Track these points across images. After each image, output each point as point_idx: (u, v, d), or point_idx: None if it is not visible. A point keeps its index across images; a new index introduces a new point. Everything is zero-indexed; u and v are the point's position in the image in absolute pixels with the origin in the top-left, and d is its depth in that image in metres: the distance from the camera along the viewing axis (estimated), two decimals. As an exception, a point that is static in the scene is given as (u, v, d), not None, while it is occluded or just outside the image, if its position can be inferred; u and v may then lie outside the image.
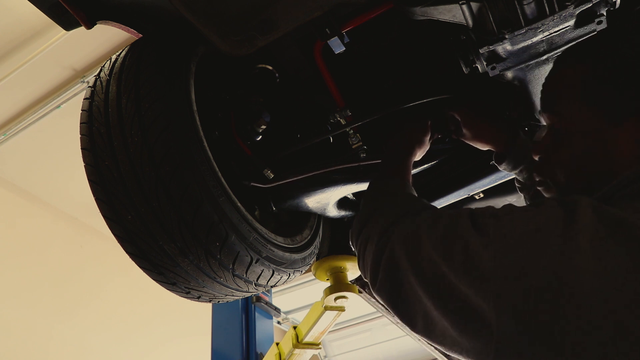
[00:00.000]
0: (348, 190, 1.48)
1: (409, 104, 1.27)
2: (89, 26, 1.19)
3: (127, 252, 1.08)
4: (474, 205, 1.65)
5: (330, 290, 1.95)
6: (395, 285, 0.74)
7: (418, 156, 1.20)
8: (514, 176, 1.38)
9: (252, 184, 1.29)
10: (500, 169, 1.24)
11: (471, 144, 1.27)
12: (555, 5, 0.92)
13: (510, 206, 0.67)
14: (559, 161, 0.82)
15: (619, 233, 0.54)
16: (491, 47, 1.03)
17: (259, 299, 3.24)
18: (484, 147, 1.25)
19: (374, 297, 2.29)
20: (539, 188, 0.89)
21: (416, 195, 0.98)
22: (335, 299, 1.98)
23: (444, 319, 0.64)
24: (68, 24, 1.21)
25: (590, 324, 0.49)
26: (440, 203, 1.56)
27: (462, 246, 0.64)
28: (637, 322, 0.48)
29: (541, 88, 0.90)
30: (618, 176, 0.71)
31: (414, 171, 1.47)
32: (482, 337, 0.58)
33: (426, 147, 1.23)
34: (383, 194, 0.97)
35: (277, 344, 2.60)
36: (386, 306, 0.77)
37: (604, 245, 0.53)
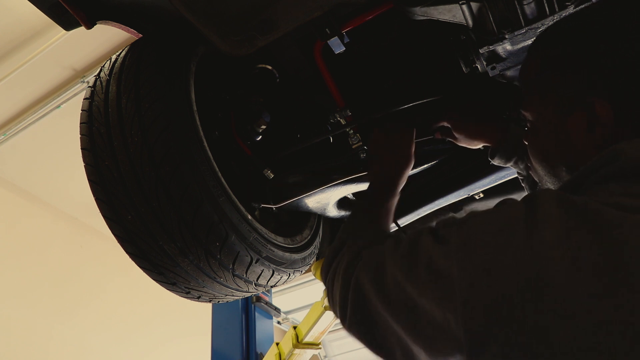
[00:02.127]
0: (348, 190, 1.48)
1: (409, 104, 1.27)
2: (89, 26, 1.19)
3: (127, 252, 1.08)
4: (473, 205, 1.66)
5: (330, 290, 1.94)
6: (364, 317, 0.71)
7: (404, 177, 1.16)
8: (514, 177, 1.38)
9: (262, 205, 1.29)
10: (495, 163, 1.25)
11: (465, 145, 1.28)
12: (555, 5, 0.92)
13: (473, 212, 0.65)
14: (532, 152, 0.84)
15: (585, 222, 0.52)
16: (491, 47, 1.03)
17: (259, 299, 3.24)
18: (477, 146, 1.27)
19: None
20: (530, 173, 0.90)
21: (388, 230, 0.97)
22: (335, 299, 1.98)
23: (415, 344, 0.62)
24: (68, 24, 1.21)
25: (563, 318, 0.48)
26: (440, 203, 1.56)
27: (425, 261, 0.62)
28: (610, 314, 0.47)
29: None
30: (572, 167, 0.72)
31: (414, 171, 1.48)
32: (454, 353, 0.56)
33: (412, 161, 1.19)
34: (354, 231, 0.94)
35: (277, 344, 2.60)
36: (361, 343, 0.73)
37: (570, 236, 0.52)
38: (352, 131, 1.32)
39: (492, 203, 1.62)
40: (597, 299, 0.47)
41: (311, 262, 1.48)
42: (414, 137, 1.20)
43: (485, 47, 1.03)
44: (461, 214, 1.68)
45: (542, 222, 0.54)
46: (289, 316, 6.07)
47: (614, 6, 0.74)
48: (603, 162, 0.62)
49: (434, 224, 0.70)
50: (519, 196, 1.57)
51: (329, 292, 0.85)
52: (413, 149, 1.17)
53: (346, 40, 1.10)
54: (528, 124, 0.84)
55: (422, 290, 0.60)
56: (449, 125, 1.28)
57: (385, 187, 1.09)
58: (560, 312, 0.48)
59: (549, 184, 0.82)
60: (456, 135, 1.27)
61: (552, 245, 0.52)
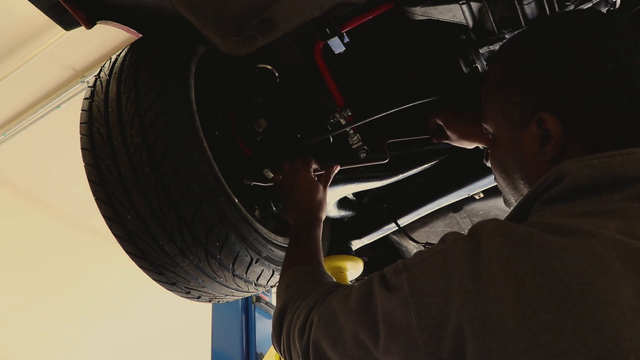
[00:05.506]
0: (348, 190, 1.48)
1: (408, 104, 1.27)
2: (89, 26, 1.19)
3: (127, 252, 1.08)
4: (473, 205, 1.66)
5: (330, 290, 1.94)
6: None
7: (323, 216, 1.17)
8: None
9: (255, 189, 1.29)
10: (490, 166, 1.24)
11: (458, 145, 1.28)
12: (555, 6, 0.92)
13: (419, 254, 0.65)
14: (493, 163, 0.85)
15: (528, 254, 0.52)
16: (491, 47, 1.03)
17: (259, 299, 3.24)
18: (470, 146, 1.26)
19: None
20: (494, 180, 0.90)
21: (323, 277, 0.95)
22: (335, 299, 1.98)
23: None
24: (68, 24, 1.20)
25: (515, 356, 0.48)
26: (440, 203, 1.56)
27: (381, 312, 0.61)
28: (560, 345, 0.46)
29: None
30: (528, 180, 0.73)
31: (413, 172, 1.48)
32: None
33: (325, 203, 1.19)
34: (292, 289, 0.90)
35: (277, 344, 2.59)
36: None
37: (515, 270, 0.52)
38: (352, 131, 1.32)
39: (492, 203, 1.62)
40: (545, 332, 0.47)
41: (311, 262, 1.47)
42: (323, 182, 1.22)
43: (485, 47, 1.03)
44: (464, 214, 1.68)
45: (487, 260, 0.54)
46: (289, 316, 6.06)
47: (563, 21, 0.75)
48: (549, 184, 0.63)
49: (382, 270, 0.69)
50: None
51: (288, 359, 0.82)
52: (322, 194, 1.19)
53: (346, 40, 1.10)
54: (490, 135, 0.84)
55: (385, 349, 0.60)
56: (442, 124, 1.28)
57: (307, 230, 1.09)
58: (512, 349, 0.48)
59: (510, 195, 0.82)
60: (449, 134, 1.27)
61: (499, 281, 0.52)
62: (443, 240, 0.64)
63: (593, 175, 0.59)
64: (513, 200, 0.82)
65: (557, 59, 0.70)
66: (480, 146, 1.32)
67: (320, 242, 1.09)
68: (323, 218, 1.16)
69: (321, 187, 1.20)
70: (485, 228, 0.59)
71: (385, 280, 0.65)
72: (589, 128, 0.66)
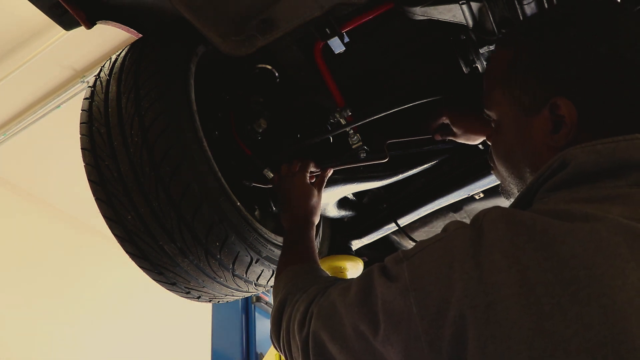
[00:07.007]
0: (348, 190, 1.48)
1: (408, 104, 1.27)
2: (89, 26, 1.19)
3: (127, 252, 1.08)
4: (473, 205, 1.66)
5: (330, 290, 1.94)
6: None
7: (316, 219, 1.18)
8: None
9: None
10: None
11: (464, 140, 1.27)
12: (555, 5, 0.92)
13: (420, 243, 0.64)
14: (495, 151, 0.83)
15: (531, 240, 0.51)
16: (491, 47, 1.03)
17: (259, 299, 3.25)
18: (478, 141, 1.26)
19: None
20: (492, 172, 0.89)
21: (321, 273, 0.95)
22: (335, 299, 1.97)
23: None
24: (68, 24, 1.21)
25: (519, 343, 0.47)
26: (440, 203, 1.56)
27: (381, 302, 0.60)
28: (565, 331, 0.45)
29: None
30: (536, 167, 0.71)
31: (413, 172, 1.48)
32: None
33: (319, 207, 1.21)
34: (290, 284, 0.90)
35: (277, 344, 2.60)
36: None
37: (518, 257, 0.51)
38: (352, 131, 1.32)
39: (492, 203, 1.62)
40: (549, 317, 0.46)
41: (311, 262, 1.47)
42: (317, 186, 1.23)
43: (486, 47, 1.04)
44: (464, 214, 1.68)
45: (489, 247, 0.53)
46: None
47: (580, 8, 0.73)
48: (553, 171, 0.62)
49: (382, 261, 0.68)
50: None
51: (288, 354, 0.81)
52: (317, 198, 1.20)
53: (346, 40, 1.10)
54: (492, 123, 0.83)
55: (385, 338, 0.59)
56: (448, 121, 1.28)
57: (301, 232, 1.10)
58: (516, 336, 0.47)
59: (512, 185, 0.80)
60: (455, 130, 1.26)
61: (501, 268, 0.51)
62: (445, 229, 0.63)
63: (597, 161, 0.58)
64: (515, 190, 0.80)
65: (575, 46, 0.69)
66: (481, 146, 1.32)
67: (315, 244, 1.10)
68: (316, 222, 1.18)
69: (315, 192, 1.21)
70: (487, 216, 0.58)
71: (386, 270, 0.64)
72: (600, 117, 0.66)
